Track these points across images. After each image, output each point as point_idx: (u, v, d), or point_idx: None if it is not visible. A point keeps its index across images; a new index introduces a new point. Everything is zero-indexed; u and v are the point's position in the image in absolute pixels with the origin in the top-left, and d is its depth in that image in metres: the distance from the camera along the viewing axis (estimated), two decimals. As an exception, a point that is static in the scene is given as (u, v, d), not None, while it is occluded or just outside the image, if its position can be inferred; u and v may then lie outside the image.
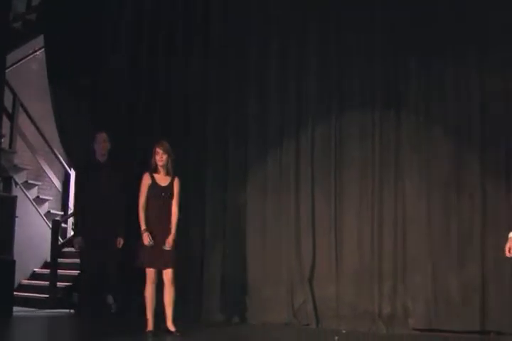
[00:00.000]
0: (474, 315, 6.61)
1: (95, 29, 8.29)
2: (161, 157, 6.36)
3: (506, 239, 6.38)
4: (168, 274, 6.29)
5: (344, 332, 6.78)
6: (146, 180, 6.38)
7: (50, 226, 8.99)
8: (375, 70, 7.22)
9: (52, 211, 9.70)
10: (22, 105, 9.53)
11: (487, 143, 6.86)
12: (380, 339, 6.61)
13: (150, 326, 6.26)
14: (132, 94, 8.13)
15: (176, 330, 6.28)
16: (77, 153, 8.10)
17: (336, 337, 6.48)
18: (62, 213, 10.01)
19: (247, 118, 7.65)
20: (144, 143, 7.52)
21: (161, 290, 6.38)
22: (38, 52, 9.51)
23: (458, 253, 6.76)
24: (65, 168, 9.30)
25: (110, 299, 7.37)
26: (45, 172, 10.00)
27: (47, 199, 9.94)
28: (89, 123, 8.14)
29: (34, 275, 9.27)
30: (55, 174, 10.02)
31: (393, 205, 7.02)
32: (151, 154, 6.43)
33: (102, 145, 7.04)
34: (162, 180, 6.40)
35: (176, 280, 6.38)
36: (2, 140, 8.54)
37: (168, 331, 6.29)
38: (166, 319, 6.32)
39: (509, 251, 5.14)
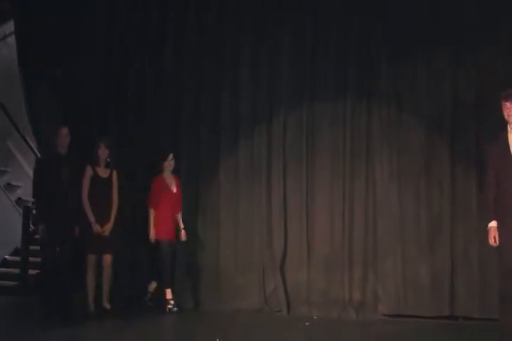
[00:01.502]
0: (443, 301, 6.74)
1: (68, 18, 8.18)
2: (103, 151, 7.03)
3: (475, 224, 6.56)
4: (107, 259, 6.97)
5: (315, 318, 6.84)
6: (88, 172, 7.01)
7: (21, 212, 8.92)
8: (347, 60, 7.25)
9: (23, 198, 9.59)
10: (-8, 91, 9.41)
11: (457, 132, 6.96)
12: (350, 325, 6.68)
13: (91, 308, 6.89)
14: (101, 86, 8.03)
15: (111, 308, 6.96)
16: (47, 141, 8.01)
17: (307, 323, 6.55)
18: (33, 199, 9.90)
19: (219, 107, 7.63)
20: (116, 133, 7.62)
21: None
22: (8, 38, 9.36)
23: (427, 240, 6.87)
24: (36, 154, 9.17)
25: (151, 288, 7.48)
26: (16, 159, 9.89)
27: (18, 186, 9.84)
28: (58, 110, 8.07)
29: (4, 263, 9.19)
30: (26, 161, 9.91)
31: (364, 193, 7.10)
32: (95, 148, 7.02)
33: (63, 138, 7.14)
34: (102, 172, 7.06)
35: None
36: None
37: (106, 309, 6.93)
38: (103, 298, 6.98)
39: (494, 240, 5.19)
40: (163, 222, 7.30)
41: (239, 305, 7.27)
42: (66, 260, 7.12)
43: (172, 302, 7.17)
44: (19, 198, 9.66)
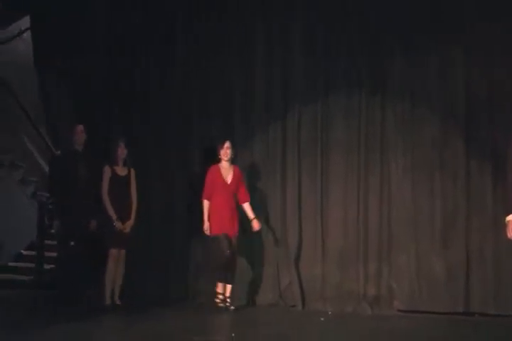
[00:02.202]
0: (458, 297, 6.73)
1: (82, 14, 8.20)
2: (122, 150, 7.11)
3: (490, 220, 6.54)
4: (122, 255, 7.07)
5: (330, 313, 6.85)
6: (107, 172, 7.07)
7: (36, 207, 8.96)
8: (361, 54, 7.23)
9: (38, 192, 9.63)
10: (7, 85, 9.45)
11: (472, 126, 6.93)
12: (365, 320, 6.68)
13: (109, 300, 7.00)
14: (110, 84, 8.06)
15: (121, 303, 7.05)
16: (62, 137, 8.06)
17: (322, 318, 6.56)
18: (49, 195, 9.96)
19: (233, 104, 7.64)
20: (123, 130, 7.66)
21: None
22: (24, 33, 9.39)
23: (442, 234, 6.86)
24: (51, 149, 9.22)
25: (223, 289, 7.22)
26: (31, 154, 9.94)
27: (33, 181, 9.89)
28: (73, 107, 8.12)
29: (20, 257, 9.25)
30: (41, 155, 9.96)
31: (378, 187, 7.10)
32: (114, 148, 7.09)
33: (79, 136, 7.28)
34: (121, 170, 7.15)
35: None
36: None
37: (116, 304, 7.01)
38: (114, 294, 7.05)
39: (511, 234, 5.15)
40: (217, 216, 7.01)
41: (253, 299, 7.29)
42: (80, 255, 7.21)
43: (229, 300, 6.95)
44: (34, 193, 9.70)
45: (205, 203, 7.06)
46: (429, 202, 6.90)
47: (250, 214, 7.06)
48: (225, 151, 7.07)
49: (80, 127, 7.29)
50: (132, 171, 7.22)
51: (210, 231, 6.98)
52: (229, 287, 6.95)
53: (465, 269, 6.75)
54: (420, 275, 6.83)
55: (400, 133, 7.06)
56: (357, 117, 7.20)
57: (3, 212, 8.62)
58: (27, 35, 9.13)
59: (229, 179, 7.08)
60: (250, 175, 7.52)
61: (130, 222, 7.09)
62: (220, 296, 6.96)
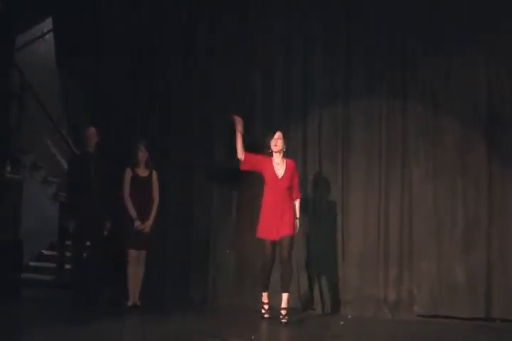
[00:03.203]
0: (479, 302, 6.68)
1: (102, 13, 8.25)
2: (143, 154, 7.20)
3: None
4: (142, 255, 7.12)
5: (350, 317, 6.83)
6: (128, 174, 7.17)
7: (57, 208, 9.03)
8: (382, 56, 7.20)
9: (60, 193, 9.70)
10: (30, 87, 9.52)
11: (494, 129, 6.87)
12: (385, 324, 6.65)
13: (132, 301, 7.07)
14: (130, 86, 8.09)
15: (141, 304, 7.09)
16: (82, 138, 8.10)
17: (342, 322, 6.55)
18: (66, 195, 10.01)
19: (253, 104, 7.63)
20: (143, 132, 7.70)
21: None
22: (46, 35, 9.45)
23: (464, 240, 6.81)
24: (72, 150, 9.28)
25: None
26: (53, 155, 10.01)
27: (54, 182, 9.96)
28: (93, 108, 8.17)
29: (41, 257, 9.32)
30: (62, 156, 10.03)
31: (399, 191, 7.06)
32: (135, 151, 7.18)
33: (90, 138, 7.36)
34: (142, 172, 7.24)
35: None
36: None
37: (136, 305, 7.07)
38: (134, 295, 7.09)
39: None
40: (263, 216, 6.57)
41: (272, 302, 7.26)
42: (95, 255, 7.25)
43: (266, 307, 6.66)
44: (55, 193, 9.78)
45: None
46: (450, 207, 6.86)
47: (297, 211, 6.68)
48: (275, 142, 6.60)
49: (92, 129, 7.37)
50: (154, 173, 7.32)
51: (257, 233, 6.64)
52: (283, 296, 6.47)
53: (486, 274, 6.70)
54: (441, 279, 6.78)
55: (421, 137, 7.02)
56: (378, 120, 7.17)
57: (25, 212, 8.68)
58: (49, 36, 9.19)
59: (280, 173, 6.61)
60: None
61: (149, 222, 7.15)
62: (265, 306, 6.66)
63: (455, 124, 6.96)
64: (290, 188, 6.60)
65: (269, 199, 6.54)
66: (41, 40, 9.66)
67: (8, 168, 8.68)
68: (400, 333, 6.27)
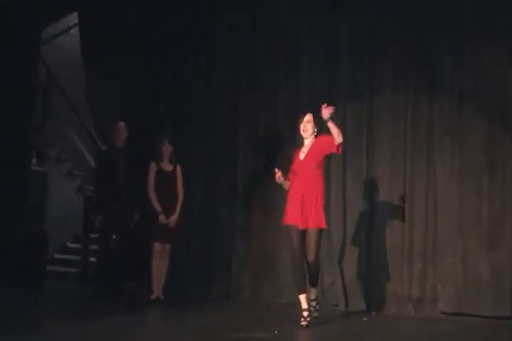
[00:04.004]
0: (504, 300, 6.61)
1: (126, 6, 8.27)
2: (167, 148, 7.22)
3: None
4: (167, 249, 7.15)
5: (374, 313, 6.82)
6: (152, 168, 7.20)
7: (82, 201, 9.10)
8: (408, 53, 7.14)
9: (84, 186, 9.78)
10: (56, 81, 9.59)
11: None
12: (409, 321, 6.62)
13: (156, 294, 7.11)
14: (159, 76, 8.13)
15: (165, 298, 7.13)
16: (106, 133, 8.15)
17: (365, 318, 6.54)
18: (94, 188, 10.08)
19: (279, 102, 7.62)
20: (168, 127, 7.74)
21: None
22: (72, 29, 9.51)
23: (489, 237, 6.74)
24: (97, 144, 9.35)
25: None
26: (78, 148, 10.08)
27: (79, 175, 10.03)
28: (119, 102, 8.21)
29: (66, 249, 9.41)
30: (87, 150, 10.10)
31: (424, 188, 6.99)
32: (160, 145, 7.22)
33: (120, 132, 7.41)
34: (166, 166, 7.27)
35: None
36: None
37: (159, 299, 7.11)
38: (158, 288, 7.13)
39: None
40: (288, 202, 6.13)
41: (294, 297, 7.27)
42: (122, 248, 7.31)
43: (305, 313, 6.01)
44: (80, 187, 9.85)
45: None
46: (476, 204, 6.79)
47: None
48: (304, 125, 6.12)
49: (122, 124, 7.42)
50: (178, 167, 7.36)
51: (282, 221, 6.18)
52: (312, 291, 6.18)
53: (511, 272, 6.65)
54: (466, 277, 6.73)
55: (447, 134, 6.95)
56: (403, 117, 7.12)
57: (50, 205, 8.77)
58: (74, 30, 9.24)
59: (303, 155, 6.13)
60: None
61: (174, 216, 7.19)
62: (304, 313, 5.97)
63: (481, 122, 6.88)
64: (317, 168, 6.08)
65: (294, 185, 6.11)
66: (67, 34, 9.72)
67: (34, 161, 8.77)
68: (423, 330, 6.24)
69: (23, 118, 8.09)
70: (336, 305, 7.13)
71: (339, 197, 7.27)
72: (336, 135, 5.91)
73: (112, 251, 7.37)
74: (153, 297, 7.12)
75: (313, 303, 6.22)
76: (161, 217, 7.11)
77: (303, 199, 5.99)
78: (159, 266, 7.16)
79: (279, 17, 7.67)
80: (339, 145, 6.00)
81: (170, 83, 8.07)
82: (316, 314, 6.23)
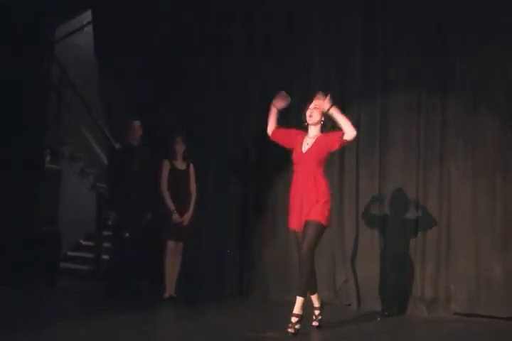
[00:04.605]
0: (518, 301, 6.59)
1: (140, 4, 8.28)
2: (180, 146, 7.19)
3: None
4: (180, 247, 7.16)
5: (386, 314, 6.80)
6: (166, 166, 7.17)
7: (95, 198, 9.13)
8: (421, 53, 7.10)
9: (97, 184, 9.82)
10: (69, 79, 9.62)
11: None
12: (421, 322, 6.61)
13: (169, 293, 7.09)
14: (172, 75, 8.13)
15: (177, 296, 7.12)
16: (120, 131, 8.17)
17: (378, 318, 6.53)
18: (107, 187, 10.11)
19: (291, 102, 7.59)
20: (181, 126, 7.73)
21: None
22: (85, 27, 9.54)
23: (502, 238, 6.71)
24: (109, 141, 9.39)
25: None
26: (91, 146, 10.12)
27: (92, 172, 10.07)
28: (133, 101, 8.23)
29: (79, 247, 9.45)
30: (100, 148, 10.13)
31: (437, 188, 6.96)
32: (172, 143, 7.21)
33: (135, 131, 7.41)
34: (180, 164, 7.25)
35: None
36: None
37: (172, 297, 7.09)
38: (171, 286, 7.12)
39: None
40: (290, 201, 5.75)
41: (307, 296, 7.27)
42: (135, 246, 7.34)
43: (316, 314, 5.94)
44: (93, 184, 9.89)
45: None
46: (489, 205, 6.75)
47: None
48: (310, 112, 5.68)
49: (137, 122, 7.42)
50: (191, 166, 7.36)
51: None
52: (313, 297, 5.92)
53: (525, 273, 6.63)
54: (479, 278, 6.71)
55: (460, 135, 6.92)
56: (416, 117, 7.08)
57: (63, 203, 8.81)
58: (88, 28, 9.27)
59: (306, 147, 5.66)
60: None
61: (188, 215, 7.19)
62: (293, 319, 5.50)
63: (495, 123, 6.84)
64: (319, 164, 5.63)
65: (294, 184, 5.68)
66: (80, 32, 9.75)
67: (48, 159, 8.81)
68: (436, 331, 6.23)
69: (36, 116, 8.12)
70: (349, 305, 7.13)
71: (352, 196, 7.26)
72: (347, 126, 5.52)
73: (125, 249, 7.39)
74: (166, 295, 7.13)
75: (317, 312, 5.97)
76: (174, 216, 7.12)
77: (302, 202, 5.60)
78: (172, 265, 7.17)
79: (293, 16, 7.66)
80: (345, 139, 5.57)
81: (183, 82, 8.08)
82: (317, 323, 5.94)
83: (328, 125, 5.77)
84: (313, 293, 5.93)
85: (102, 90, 8.46)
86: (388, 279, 7.02)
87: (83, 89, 9.59)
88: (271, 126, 5.91)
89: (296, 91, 7.43)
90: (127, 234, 7.40)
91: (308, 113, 5.72)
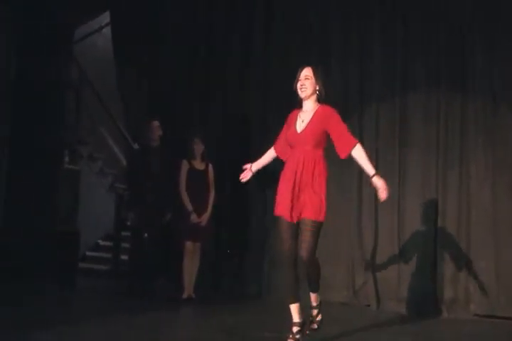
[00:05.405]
0: (538, 303, 6.53)
1: (158, 4, 8.31)
2: (198, 146, 7.14)
3: None
4: (197, 247, 7.15)
5: (406, 314, 6.78)
6: (184, 166, 7.13)
7: (114, 199, 9.17)
8: (440, 52, 7.08)
9: (116, 184, 9.85)
10: (88, 80, 9.66)
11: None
12: (441, 323, 6.59)
13: (187, 293, 7.06)
14: (187, 80, 8.15)
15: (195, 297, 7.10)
16: (139, 130, 8.19)
17: (397, 319, 6.50)
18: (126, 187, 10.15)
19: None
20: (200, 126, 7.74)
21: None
22: (104, 28, 9.58)
23: (523, 239, 6.67)
24: (128, 141, 9.43)
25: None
26: (110, 146, 10.16)
27: (111, 173, 10.10)
28: (151, 101, 8.26)
29: (97, 247, 9.48)
30: (119, 148, 10.17)
31: (457, 188, 6.93)
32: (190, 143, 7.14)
33: (154, 131, 7.39)
34: (199, 165, 7.21)
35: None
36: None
37: (191, 298, 7.07)
38: (189, 287, 7.08)
39: None
40: (280, 186, 4.98)
41: (326, 297, 7.22)
42: (153, 247, 7.35)
43: (313, 316, 5.22)
44: (112, 185, 9.92)
45: (268, 152, 5.24)
46: (509, 205, 6.71)
47: (366, 168, 4.88)
48: (302, 83, 4.99)
49: (156, 123, 7.41)
50: (210, 166, 7.33)
51: (274, 211, 4.97)
52: (312, 296, 5.18)
53: (546, 274, 6.57)
54: (499, 279, 6.67)
55: (480, 133, 6.89)
56: (436, 116, 7.06)
57: (82, 203, 8.85)
58: (106, 30, 9.31)
59: (301, 126, 4.94)
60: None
61: (206, 215, 7.19)
62: (294, 328, 4.94)
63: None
64: (317, 146, 4.90)
65: (288, 163, 4.95)
66: (99, 33, 9.80)
67: (67, 159, 8.85)
68: (455, 332, 6.20)
69: (56, 116, 8.16)
70: (368, 306, 7.11)
71: (371, 196, 7.20)
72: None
73: (144, 250, 7.40)
74: (184, 296, 7.12)
75: (315, 311, 5.19)
76: (193, 217, 7.13)
77: (297, 191, 4.84)
78: (191, 265, 7.18)
79: (313, 16, 7.66)
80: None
81: (202, 82, 8.08)
82: (315, 326, 5.21)
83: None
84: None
85: (121, 90, 8.48)
86: (407, 280, 6.99)
87: (102, 90, 9.63)
88: (270, 154, 5.30)
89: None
90: (146, 235, 7.41)
91: (299, 85, 5.01)
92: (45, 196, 7.91)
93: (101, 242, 9.54)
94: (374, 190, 7.06)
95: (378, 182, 4.82)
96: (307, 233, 4.80)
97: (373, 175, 4.84)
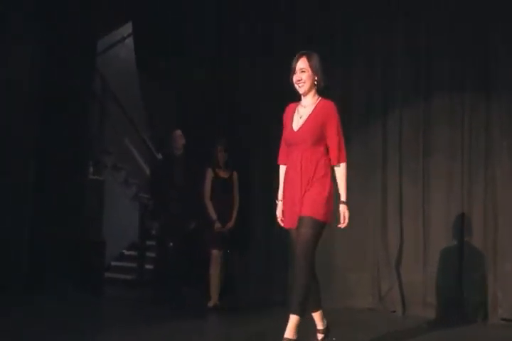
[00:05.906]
0: None
1: (181, 15, 8.37)
2: (222, 154, 7.16)
3: None
4: (222, 256, 7.15)
5: (432, 319, 6.71)
6: (209, 174, 7.15)
7: (138, 208, 9.21)
8: (465, 54, 7.05)
9: (140, 194, 9.91)
10: (111, 91, 9.75)
11: None
12: (468, 327, 6.51)
13: (213, 302, 7.05)
14: (214, 85, 8.17)
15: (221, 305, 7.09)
16: (162, 141, 8.23)
17: (424, 325, 6.44)
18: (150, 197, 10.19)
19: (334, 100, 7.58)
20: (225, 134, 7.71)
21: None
22: (126, 39, 9.67)
23: (550, 242, 6.59)
24: (151, 151, 9.48)
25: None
26: (134, 156, 10.23)
27: (135, 183, 10.16)
28: (175, 111, 8.30)
29: (122, 257, 9.53)
30: (143, 158, 10.23)
31: (483, 192, 6.85)
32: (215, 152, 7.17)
33: (177, 141, 7.44)
34: (223, 173, 7.22)
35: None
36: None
37: (217, 305, 7.07)
38: (215, 295, 7.08)
39: None
40: (283, 189, 4.74)
41: (351, 303, 7.23)
42: (179, 256, 7.37)
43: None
44: (136, 194, 9.98)
45: (281, 170, 4.81)
46: (536, 208, 6.66)
47: (340, 190, 4.61)
48: (298, 77, 4.65)
49: (178, 132, 7.46)
50: (235, 174, 7.35)
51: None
52: (315, 315, 4.86)
53: None
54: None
55: (505, 137, 6.82)
56: (460, 120, 7.01)
57: (107, 213, 8.90)
58: (129, 40, 9.40)
59: (298, 123, 4.59)
60: (349, 178, 7.43)
61: (231, 223, 7.20)
62: (319, 336, 4.85)
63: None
64: (317, 143, 4.54)
65: (289, 169, 4.62)
66: (121, 44, 9.89)
67: (91, 170, 8.92)
68: (482, 337, 6.14)
69: (79, 127, 8.23)
70: (394, 311, 7.05)
71: (395, 202, 7.20)
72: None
73: (169, 259, 7.43)
74: (210, 304, 7.12)
75: (320, 336, 4.92)
76: (217, 225, 7.13)
77: (301, 188, 4.53)
78: (217, 273, 7.17)
79: (336, 17, 7.66)
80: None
81: (227, 93, 8.11)
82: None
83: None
84: (315, 310, 4.84)
85: (145, 101, 8.54)
86: (433, 285, 6.92)
87: (125, 101, 9.71)
88: (283, 170, 4.83)
89: (338, 92, 7.34)
90: (171, 244, 7.44)
91: (295, 79, 4.66)
92: (70, 207, 7.96)
93: (125, 252, 9.58)
94: (398, 197, 7.15)
95: (342, 210, 4.60)
96: (301, 231, 4.49)
97: (342, 202, 4.61)
